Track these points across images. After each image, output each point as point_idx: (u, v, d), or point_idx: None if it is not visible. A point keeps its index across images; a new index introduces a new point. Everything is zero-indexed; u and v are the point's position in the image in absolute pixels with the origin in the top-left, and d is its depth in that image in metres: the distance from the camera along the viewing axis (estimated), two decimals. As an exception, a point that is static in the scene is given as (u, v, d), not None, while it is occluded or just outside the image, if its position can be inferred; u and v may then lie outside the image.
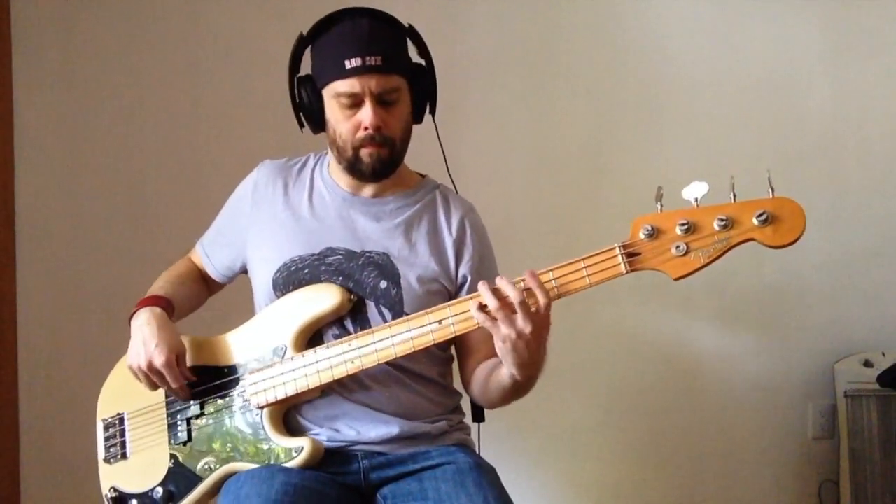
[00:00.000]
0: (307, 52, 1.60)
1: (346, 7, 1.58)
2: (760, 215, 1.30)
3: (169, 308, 1.61)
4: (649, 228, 1.34)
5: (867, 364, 2.63)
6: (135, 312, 1.59)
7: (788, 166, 2.65)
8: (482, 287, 1.37)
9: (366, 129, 1.52)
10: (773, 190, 1.31)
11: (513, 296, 1.34)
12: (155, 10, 2.60)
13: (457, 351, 1.66)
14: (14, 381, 2.56)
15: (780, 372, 2.73)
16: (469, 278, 1.61)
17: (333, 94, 1.53)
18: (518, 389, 1.48)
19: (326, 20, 1.56)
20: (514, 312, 1.34)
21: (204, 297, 1.79)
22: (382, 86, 1.53)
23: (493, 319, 1.36)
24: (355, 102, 1.53)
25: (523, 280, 1.37)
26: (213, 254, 1.75)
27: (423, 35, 1.64)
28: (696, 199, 1.33)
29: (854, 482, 2.58)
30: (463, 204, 1.68)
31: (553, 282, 1.38)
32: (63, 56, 2.58)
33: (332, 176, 1.66)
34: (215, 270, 1.75)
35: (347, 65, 1.50)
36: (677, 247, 1.33)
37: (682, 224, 1.33)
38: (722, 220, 1.31)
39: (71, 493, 2.47)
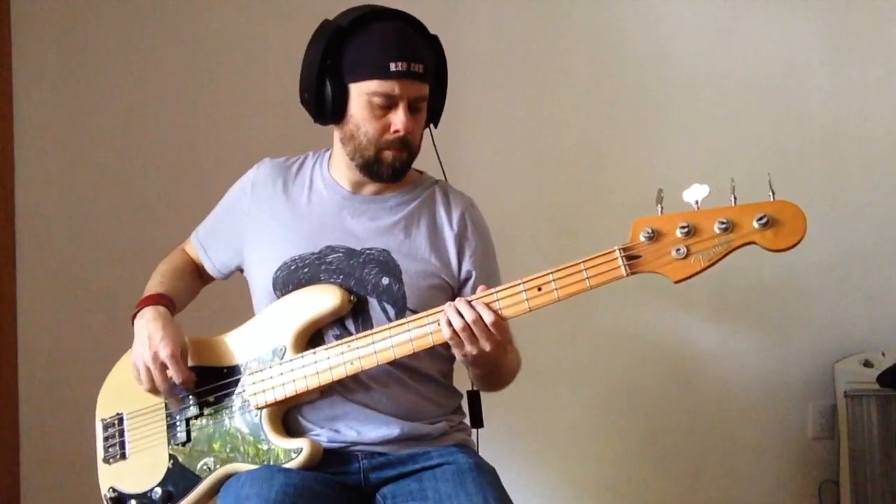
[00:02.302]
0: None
1: (378, 6, 1.58)
2: (761, 219, 1.30)
3: (171, 306, 1.62)
4: (649, 231, 1.34)
5: (867, 364, 2.63)
6: (138, 311, 1.60)
7: (788, 166, 2.65)
8: (448, 307, 1.42)
9: (396, 132, 1.53)
10: (773, 193, 1.31)
11: (471, 318, 1.40)
12: (155, 10, 2.60)
13: None
14: (14, 381, 2.56)
15: (780, 372, 2.73)
16: (474, 273, 1.62)
17: (367, 91, 1.52)
18: (496, 384, 1.64)
19: (365, 15, 1.55)
20: (475, 333, 1.41)
21: (198, 290, 1.79)
22: (418, 93, 1.55)
23: (458, 338, 1.41)
24: (389, 104, 1.53)
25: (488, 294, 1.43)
26: (210, 248, 1.74)
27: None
28: (697, 202, 1.33)
29: (854, 482, 2.58)
30: (463, 199, 1.69)
31: (553, 283, 1.39)
32: (63, 56, 2.58)
33: (332, 175, 1.65)
34: (213, 266, 1.74)
35: (392, 67, 1.50)
36: (678, 249, 1.33)
37: (683, 227, 1.33)
38: (722, 223, 1.32)
39: (71, 493, 2.47)
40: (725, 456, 2.73)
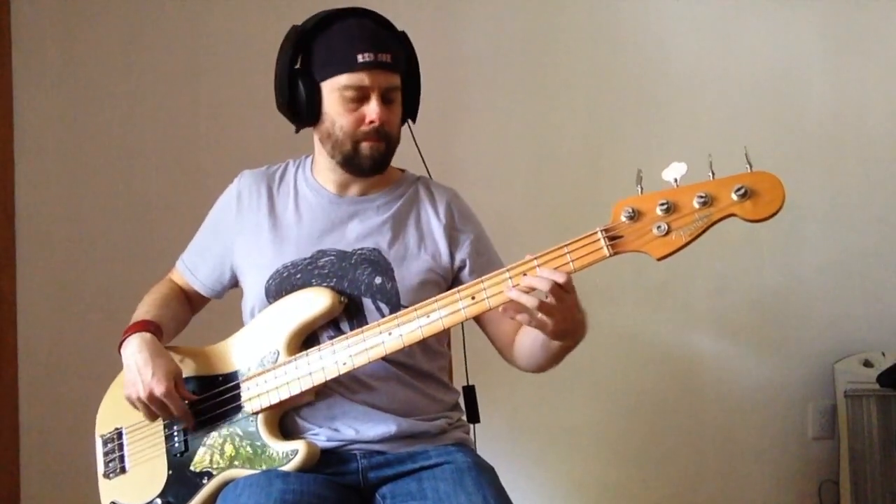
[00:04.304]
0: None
1: (346, 6, 1.60)
2: (739, 190, 1.30)
3: (157, 332, 1.58)
4: (630, 211, 1.35)
5: (867, 364, 2.63)
6: (123, 341, 1.57)
7: (788, 166, 2.62)
8: (514, 293, 1.36)
9: (371, 122, 1.53)
10: (750, 165, 1.32)
11: (543, 286, 1.34)
12: (155, 11, 2.60)
13: (481, 326, 1.65)
14: (14, 381, 2.56)
15: (780, 372, 2.73)
16: (468, 261, 1.62)
17: (338, 86, 1.53)
18: (569, 349, 1.50)
19: (329, 16, 1.57)
20: (552, 302, 1.34)
21: (188, 318, 1.76)
22: (389, 83, 1.55)
23: (538, 318, 1.36)
24: (361, 96, 1.53)
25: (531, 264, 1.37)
26: (197, 269, 1.72)
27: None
28: (676, 180, 1.35)
29: (854, 482, 2.58)
30: (446, 191, 1.70)
31: (537, 269, 1.38)
32: (63, 56, 2.58)
33: (316, 178, 1.65)
34: (203, 285, 1.72)
35: (360, 59, 1.51)
36: (658, 227, 1.34)
37: (662, 204, 1.34)
38: (701, 197, 1.32)
39: (71, 494, 2.47)
40: (725, 456, 2.73)
